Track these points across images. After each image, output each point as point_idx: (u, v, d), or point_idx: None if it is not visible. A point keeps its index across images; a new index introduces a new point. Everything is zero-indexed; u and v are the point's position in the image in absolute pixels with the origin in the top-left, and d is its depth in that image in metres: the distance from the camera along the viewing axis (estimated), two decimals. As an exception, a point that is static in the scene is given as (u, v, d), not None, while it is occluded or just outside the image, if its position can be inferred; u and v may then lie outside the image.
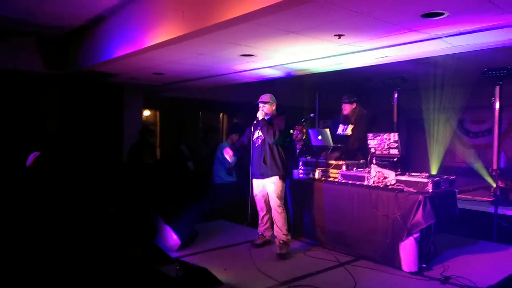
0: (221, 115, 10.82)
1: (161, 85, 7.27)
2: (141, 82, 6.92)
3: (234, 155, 5.89)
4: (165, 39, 4.03)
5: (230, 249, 5.00)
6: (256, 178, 4.83)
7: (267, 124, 4.62)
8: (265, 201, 4.87)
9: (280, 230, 4.66)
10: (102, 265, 4.24)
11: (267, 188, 4.76)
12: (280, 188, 4.70)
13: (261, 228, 5.02)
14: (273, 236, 4.89)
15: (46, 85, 6.52)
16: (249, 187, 6.85)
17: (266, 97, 4.73)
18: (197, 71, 5.76)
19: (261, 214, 4.96)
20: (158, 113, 9.71)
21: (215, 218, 6.38)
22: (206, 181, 7.04)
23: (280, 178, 4.68)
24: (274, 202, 4.70)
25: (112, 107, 7.05)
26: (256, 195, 4.90)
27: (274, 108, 4.76)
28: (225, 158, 6.69)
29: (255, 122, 4.72)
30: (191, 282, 3.81)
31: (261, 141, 4.72)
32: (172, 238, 4.85)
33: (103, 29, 5.16)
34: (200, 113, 10.32)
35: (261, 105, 4.71)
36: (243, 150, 5.27)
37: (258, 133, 4.75)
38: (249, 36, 3.90)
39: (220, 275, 3.92)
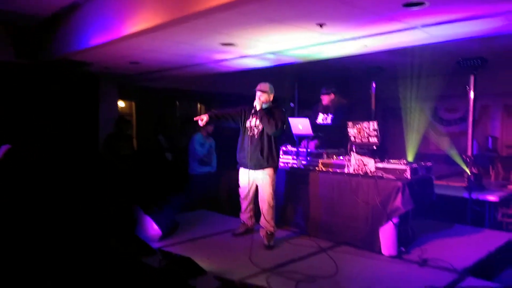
0: (198, 105, 10.72)
1: (137, 74, 7.11)
2: (116, 71, 6.76)
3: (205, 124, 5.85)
4: (144, 28, 3.93)
5: (211, 238, 5.00)
6: (248, 168, 4.64)
7: (267, 114, 4.46)
8: (253, 191, 4.78)
9: (268, 222, 4.61)
10: (83, 258, 4.18)
11: (259, 179, 4.63)
12: (274, 180, 4.63)
13: (244, 216, 4.94)
14: (255, 225, 4.87)
15: (18, 75, 6.28)
16: (227, 178, 6.87)
17: (265, 86, 4.55)
18: (177, 60, 5.66)
19: (245, 203, 4.88)
20: (133, 104, 9.53)
21: (195, 208, 6.37)
22: (185, 171, 7.01)
23: (274, 170, 4.61)
24: (267, 194, 4.59)
25: (87, 97, 6.87)
26: (245, 185, 4.77)
27: (271, 99, 4.58)
28: (196, 150, 6.70)
29: (252, 111, 4.54)
30: (174, 271, 3.80)
31: (259, 132, 4.54)
32: (153, 228, 4.82)
33: (78, 16, 4.99)
34: (177, 103, 10.19)
35: (258, 93, 4.52)
36: (215, 120, 4.85)
37: (255, 122, 4.56)
38: (230, 24, 3.85)
39: (203, 264, 3.92)
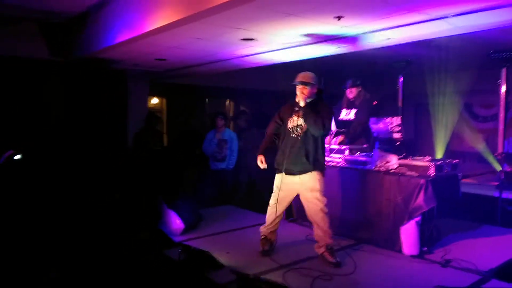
0: (227, 101, 10.82)
1: (165, 71, 7.27)
2: (144, 68, 6.93)
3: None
4: (163, 24, 4.00)
5: (234, 233, 5.05)
6: (291, 174, 3.98)
7: (313, 112, 3.79)
8: (289, 202, 4.22)
9: (326, 232, 3.94)
10: (106, 250, 4.34)
11: (305, 185, 3.95)
12: (323, 183, 3.97)
13: (267, 230, 4.23)
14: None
15: (49, 72, 6.55)
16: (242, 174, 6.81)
17: (307, 76, 3.84)
18: (199, 56, 5.73)
19: (272, 216, 4.17)
20: (164, 100, 9.75)
21: (219, 203, 6.45)
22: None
23: (322, 173, 3.97)
24: (319, 201, 3.91)
25: (116, 93, 7.06)
26: (285, 194, 4.08)
27: (315, 91, 3.88)
28: (203, 147, 6.78)
29: (296, 108, 3.87)
30: (192, 264, 3.88)
31: (302, 132, 3.88)
32: (176, 222, 4.91)
33: (105, 14, 5.15)
34: (207, 99, 10.34)
35: (300, 86, 3.82)
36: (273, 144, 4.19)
37: (297, 121, 3.90)
38: (247, 19, 3.84)
39: (222, 258, 3.99)
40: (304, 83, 3.80)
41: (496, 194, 5.26)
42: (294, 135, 3.93)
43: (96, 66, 6.41)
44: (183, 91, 9.29)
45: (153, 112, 8.19)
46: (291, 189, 4.06)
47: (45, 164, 5.86)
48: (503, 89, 5.11)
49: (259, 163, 4.10)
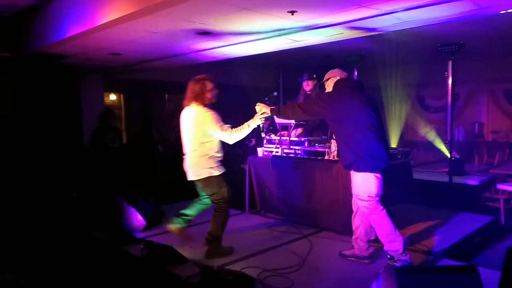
0: (187, 97, 10.69)
1: (121, 66, 7.07)
2: (98, 63, 6.70)
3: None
4: (117, 17, 3.91)
5: (196, 227, 5.03)
6: None
7: None
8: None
9: (380, 237, 3.62)
10: (65, 249, 4.23)
11: None
12: (360, 184, 3.54)
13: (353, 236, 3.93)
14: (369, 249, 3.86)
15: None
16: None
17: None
18: (155, 50, 5.63)
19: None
20: (122, 96, 9.52)
21: (185, 199, 6.37)
22: (174, 163, 6.93)
23: (365, 171, 3.49)
24: (360, 203, 3.64)
25: (68, 90, 6.78)
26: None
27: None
28: None
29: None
30: (156, 260, 3.85)
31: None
32: (137, 219, 4.86)
33: (55, 7, 4.95)
34: (166, 95, 10.18)
35: None
36: None
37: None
38: (202, 12, 3.82)
39: (186, 252, 3.98)
40: None
41: (447, 179, 5.54)
42: None
43: (46, 62, 6.14)
44: (141, 86, 9.09)
45: (109, 109, 7.99)
46: None
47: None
48: (450, 81, 5.37)
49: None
